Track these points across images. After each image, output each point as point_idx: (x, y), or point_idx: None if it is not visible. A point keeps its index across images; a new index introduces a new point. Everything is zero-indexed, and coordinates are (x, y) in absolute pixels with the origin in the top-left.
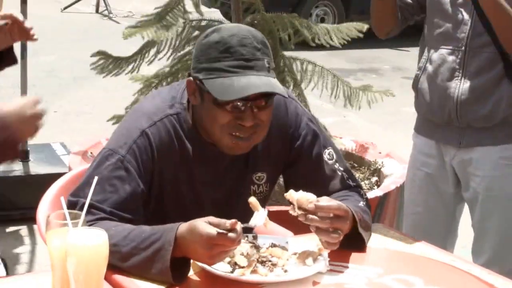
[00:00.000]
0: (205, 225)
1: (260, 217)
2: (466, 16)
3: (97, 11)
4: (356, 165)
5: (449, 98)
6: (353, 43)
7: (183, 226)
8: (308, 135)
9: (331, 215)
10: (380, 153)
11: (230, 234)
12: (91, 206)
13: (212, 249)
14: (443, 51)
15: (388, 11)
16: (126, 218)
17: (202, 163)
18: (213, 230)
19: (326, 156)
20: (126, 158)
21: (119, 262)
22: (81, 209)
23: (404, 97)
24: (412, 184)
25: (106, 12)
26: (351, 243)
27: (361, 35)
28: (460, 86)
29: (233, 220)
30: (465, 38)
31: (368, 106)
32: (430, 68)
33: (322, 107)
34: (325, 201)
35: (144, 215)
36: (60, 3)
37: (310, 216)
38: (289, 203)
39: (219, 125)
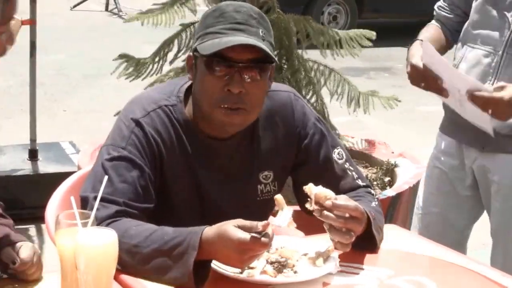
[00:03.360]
0: (235, 229)
1: (284, 217)
2: (509, 20)
3: (106, 9)
4: (368, 165)
5: None
6: (359, 50)
7: (209, 230)
8: (315, 135)
9: (347, 215)
10: (393, 152)
11: (263, 239)
12: (102, 200)
13: (244, 253)
14: (479, 52)
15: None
16: (141, 208)
17: (202, 156)
18: (246, 235)
19: (335, 156)
20: (127, 149)
21: (139, 264)
22: (92, 204)
23: (417, 96)
24: (429, 182)
25: (115, 10)
26: (363, 244)
27: (369, 43)
28: None
29: (265, 222)
30: (504, 42)
31: (373, 108)
32: (463, 66)
33: (335, 106)
34: (343, 200)
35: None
36: (69, 1)
37: (326, 212)
38: (307, 196)
39: (209, 96)
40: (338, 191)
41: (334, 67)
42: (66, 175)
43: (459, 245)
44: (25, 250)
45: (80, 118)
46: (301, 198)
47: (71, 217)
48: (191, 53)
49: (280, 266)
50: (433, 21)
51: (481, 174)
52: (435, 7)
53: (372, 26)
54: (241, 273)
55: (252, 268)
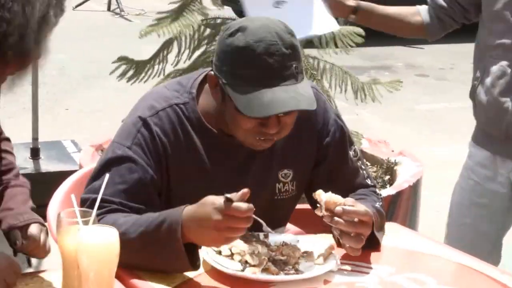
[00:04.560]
0: (213, 209)
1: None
2: None
3: (108, 9)
4: (368, 164)
5: (507, 112)
6: (366, 40)
7: (190, 207)
8: (336, 132)
9: (356, 219)
10: (393, 151)
11: (239, 205)
12: (101, 200)
13: (221, 231)
14: (504, 63)
15: (381, 26)
16: (135, 208)
17: (217, 154)
18: (219, 215)
19: (352, 153)
20: (132, 148)
21: (131, 251)
22: (92, 205)
23: (417, 95)
24: (462, 193)
25: (117, 10)
26: (366, 244)
27: (361, 40)
28: None
29: (243, 191)
30: None
31: (379, 102)
32: (488, 79)
33: (336, 103)
34: (350, 202)
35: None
36: (72, 1)
37: (336, 218)
38: (316, 202)
39: (244, 131)
40: (348, 189)
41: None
42: (68, 173)
43: (492, 255)
44: (32, 229)
45: (81, 117)
46: (310, 195)
47: (72, 216)
48: (212, 73)
49: (282, 264)
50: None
51: None
52: None
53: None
54: (242, 270)
55: (253, 266)
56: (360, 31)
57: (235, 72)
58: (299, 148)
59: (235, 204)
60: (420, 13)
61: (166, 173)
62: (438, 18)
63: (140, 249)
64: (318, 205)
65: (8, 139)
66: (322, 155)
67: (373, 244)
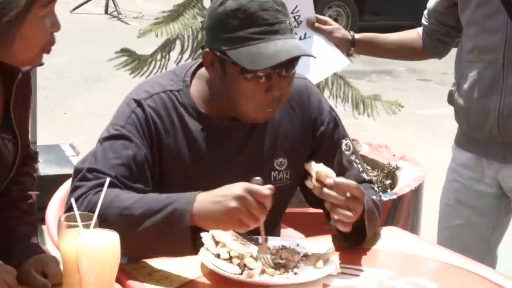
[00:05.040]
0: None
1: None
2: (500, 26)
3: (106, 12)
4: (369, 168)
5: (489, 114)
6: None
7: (204, 193)
8: (330, 122)
9: (348, 194)
10: (394, 155)
11: (264, 187)
12: (95, 170)
13: (239, 202)
14: (479, 65)
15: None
16: (132, 186)
17: (209, 140)
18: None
19: (343, 147)
20: (126, 127)
21: (130, 227)
22: (83, 177)
23: (419, 99)
24: (447, 195)
25: (115, 13)
26: (353, 233)
27: None
28: (501, 101)
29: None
30: (502, 50)
31: (377, 114)
32: (465, 84)
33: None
34: (343, 179)
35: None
36: (69, 4)
37: (326, 190)
38: (307, 174)
39: (249, 100)
40: None
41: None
42: (66, 177)
43: (486, 256)
44: (51, 266)
45: (80, 121)
46: (305, 189)
47: (73, 219)
48: (208, 50)
49: (281, 267)
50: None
51: (508, 183)
52: (424, 16)
53: (373, 29)
54: (241, 274)
55: (251, 269)
56: None
57: (234, 35)
58: (293, 137)
59: (260, 186)
60: (420, 36)
61: (159, 155)
62: (438, 39)
63: (141, 225)
64: (309, 176)
65: (33, 157)
66: (316, 145)
67: (359, 235)
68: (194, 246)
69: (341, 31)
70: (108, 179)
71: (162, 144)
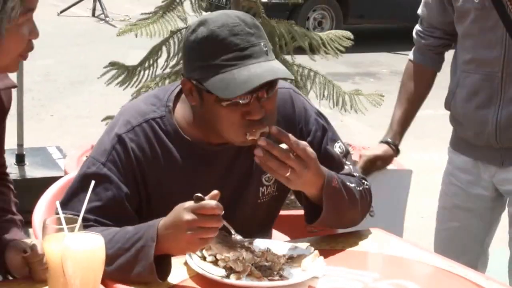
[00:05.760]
0: (184, 211)
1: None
2: (498, 40)
3: (93, 15)
4: None
5: (487, 124)
6: (350, 47)
7: (164, 219)
8: (317, 131)
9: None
10: None
11: (207, 203)
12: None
13: (194, 231)
14: (477, 76)
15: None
16: (110, 225)
17: (196, 166)
18: (192, 214)
19: (337, 150)
20: (106, 165)
21: (106, 265)
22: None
23: None
24: (445, 199)
25: (102, 16)
26: (308, 206)
27: (350, 43)
28: (499, 112)
29: (213, 193)
30: (501, 64)
31: (362, 112)
32: (463, 93)
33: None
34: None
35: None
36: (56, 7)
37: (261, 141)
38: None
39: (230, 126)
40: None
41: (317, 69)
42: (52, 179)
43: (481, 256)
44: (38, 244)
45: (67, 123)
46: (299, 194)
47: (58, 222)
48: (185, 78)
49: (266, 269)
50: (411, 55)
51: (504, 186)
52: (413, 33)
53: (357, 32)
54: (227, 276)
55: (238, 272)
56: (349, 34)
57: (206, 63)
58: None
59: (204, 202)
60: (426, 66)
61: (144, 188)
62: (437, 52)
63: (114, 263)
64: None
65: (6, 174)
66: None
67: (316, 210)
68: (162, 273)
69: (385, 157)
70: (87, 197)
71: (146, 177)
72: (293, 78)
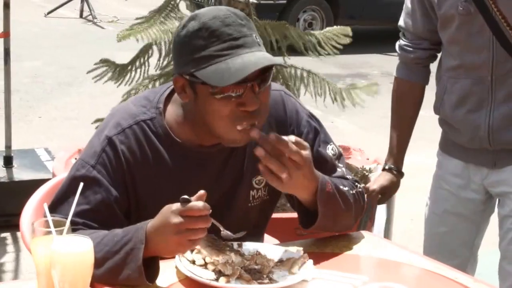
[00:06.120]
0: (171, 213)
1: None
2: (485, 44)
3: (81, 16)
4: None
5: (479, 128)
6: (341, 48)
7: (153, 221)
8: (309, 133)
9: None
10: (368, 159)
11: (194, 204)
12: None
13: (181, 234)
14: (467, 81)
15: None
16: (99, 228)
17: (186, 168)
18: (179, 217)
19: (329, 152)
20: (96, 168)
21: (95, 269)
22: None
23: None
24: (436, 205)
25: (90, 17)
26: (302, 213)
27: (349, 40)
28: (491, 115)
29: (201, 192)
30: (490, 68)
31: (355, 108)
32: (452, 99)
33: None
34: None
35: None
36: (44, 8)
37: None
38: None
39: (223, 118)
40: None
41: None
42: (41, 182)
43: (470, 259)
44: None
45: (55, 125)
46: (291, 197)
47: (46, 225)
48: (177, 75)
49: (256, 273)
50: (397, 73)
51: (496, 188)
52: (397, 48)
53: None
54: (216, 280)
55: (227, 275)
56: (348, 30)
57: (199, 55)
58: None
59: (190, 203)
60: (415, 81)
61: (133, 191)
62: (424, 64)
63: (103, 266)
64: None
65: None
66: None
67: (309, 215)
68: (151, 276)
69: (391, 186)
70: (81, 185)
71: (136, 179)
72: (287, 66)
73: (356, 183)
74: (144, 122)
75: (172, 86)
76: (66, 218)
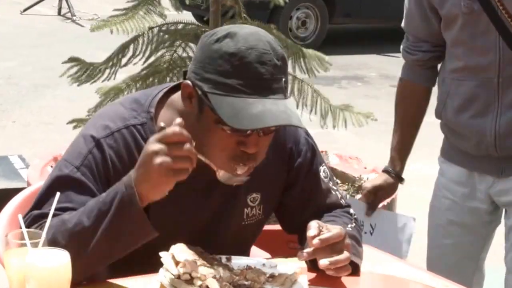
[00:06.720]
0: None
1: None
2: (491, 45)
3: (59, 13)
4: (338, 182)
5: (485, 133)
6: (338, 49)
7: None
8: (308, 152)
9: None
10: (365, 168)
11: (171, 127)
12: (41, 216)
13: (160, 161)
14: (472, 84)
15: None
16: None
17: (177, 184)
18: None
19: (322, 174)
20: (80, 169)
21: (86, 240)
22: (32, 221)
23: (391, 107)
24: (437, 214)
25: (69, 15)
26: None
27: (327, 69)
28: (498, 120)
29: (178, 120)
30: (497, 69)
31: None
32: (455, 103)
33: (303, 118)
34: (318, 229)
35: None
36: (20, 5)
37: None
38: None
39: (221, 151)
40: (323, 210)
41: (304, 77)
42: (15, 191)
43: (476, 273)
44: None
45: (30, 130)
46: (283, 218)
47: (20, 237)
48: (189, 83)
49: None
50: (401, 73)
51: (503, 198)
52: (401, 49)
53: (344, 32)
54: None
55: None
56: (323, 58)
57: (222, 80)
58: (267, 170)
59: (167, 128)
60: (417, 83)
61: None
62: (428, 66)
63: (98, 232)
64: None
65: None
66: (293, 177)
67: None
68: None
69: (385, 186)
70: (58, 194)
71: None
72: (304, 127)
73: (350, 210)
74: (134, 127)
75: (166, 89)
76: (42, 230)
